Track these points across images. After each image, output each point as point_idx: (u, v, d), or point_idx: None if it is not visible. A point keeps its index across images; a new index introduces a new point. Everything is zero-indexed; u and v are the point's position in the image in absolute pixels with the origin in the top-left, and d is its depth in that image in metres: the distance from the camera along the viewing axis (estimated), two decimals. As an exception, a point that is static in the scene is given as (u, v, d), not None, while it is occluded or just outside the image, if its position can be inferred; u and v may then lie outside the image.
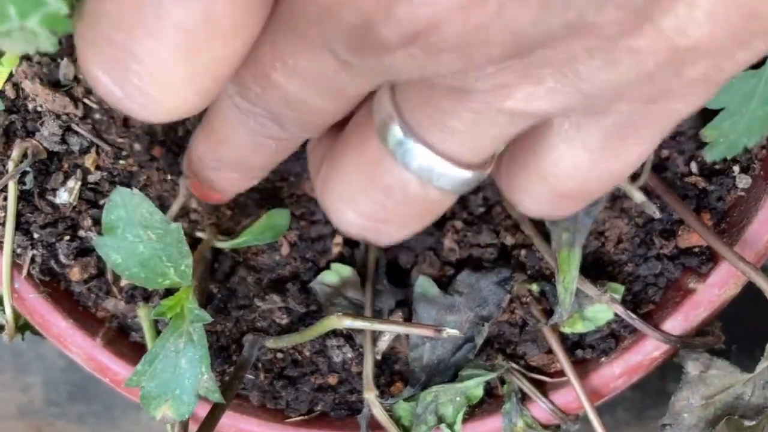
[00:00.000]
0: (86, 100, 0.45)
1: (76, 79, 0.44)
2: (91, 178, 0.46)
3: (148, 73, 0.22)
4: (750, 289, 0.46)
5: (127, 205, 0.37)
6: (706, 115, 0.45)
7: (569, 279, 0.44)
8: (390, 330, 0.46)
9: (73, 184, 0.45)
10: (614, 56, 0.22)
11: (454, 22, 0.20)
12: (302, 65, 0.24)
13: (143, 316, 0.48)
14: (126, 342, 0.49)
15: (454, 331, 0.41)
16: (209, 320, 0.40)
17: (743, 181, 0.47)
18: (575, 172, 0.27)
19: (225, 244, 0.46)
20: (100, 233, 0.45)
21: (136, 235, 0.38)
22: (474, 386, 0.47)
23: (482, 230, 0.47)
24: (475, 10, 0.20)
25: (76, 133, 0.45)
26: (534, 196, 0.28)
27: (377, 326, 0.44)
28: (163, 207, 0.46)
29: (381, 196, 0.27)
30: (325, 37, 0.22)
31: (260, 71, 0.25)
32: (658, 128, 0.26)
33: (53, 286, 0.48)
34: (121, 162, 0.46)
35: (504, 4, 0.20)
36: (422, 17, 0.20)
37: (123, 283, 0.47)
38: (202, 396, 0.41)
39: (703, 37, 0.22)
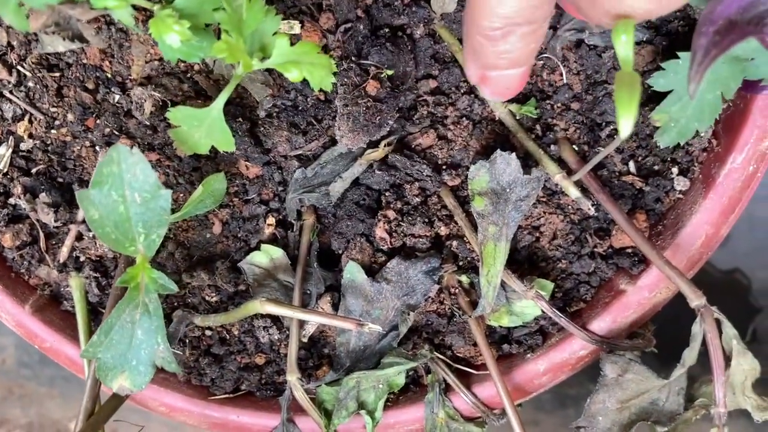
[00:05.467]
0: (20, 67, 0.45)
1: (9, 45, 0.44)
2: (23, 146, 0.46)
3: None
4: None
5: (122, 163, 0.37)
6: (654, 101, 0.44)
7: (493, 273, 0.44)
8: (312, 320, 0.46)
9: (4, 150, 0.45)
10: None
11: None
12: None
13: (74, 286, 0.48)
14: (57, 311, 0.49)
15: (376, 327, 0.41)
16: (175, 290, 0.40)
17: (681, 183, 0.46)
18: None
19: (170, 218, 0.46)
20: (28, 201, 0.45)
21: (121, 195, 0.38)
22: (394, 374, 0.47)
23: (416, 221, 0.47)
24: None
25: (9, 100, 0.45)
26: None
27: (300, 315, 0.43)
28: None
29: None
30: None
31: None
32: None
33: (-15, 251, 0.48)
34: (54, 132, 0.46)
35: None
36: None
37: (63, 252, 0.47)
38: (158, 366, 0.41)
39: None
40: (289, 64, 0.40)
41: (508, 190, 0.44)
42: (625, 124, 0.29)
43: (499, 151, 0.44)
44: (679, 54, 0.42)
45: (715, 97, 0.42)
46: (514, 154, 0.44)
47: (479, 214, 0.44)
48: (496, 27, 0.33)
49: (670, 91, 0.43)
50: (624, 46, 0.30)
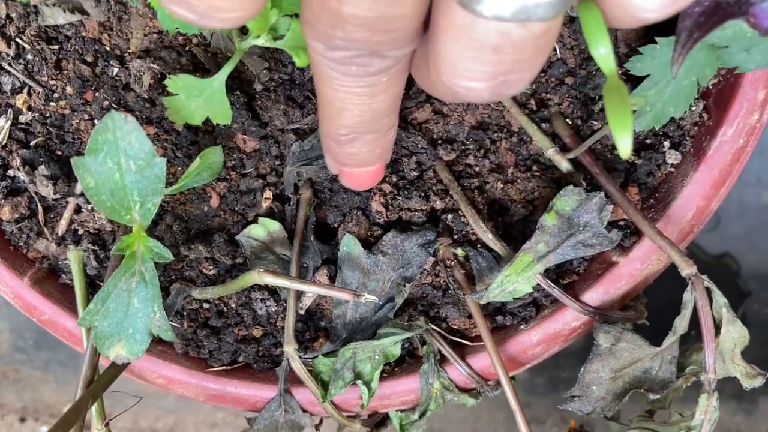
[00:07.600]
0: (19, 40, 0.45)
1: (8, 17, 0.45)
2: (22, 119, 0.46)
3: None
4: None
5: (117, 130, 0.38)
6: (633, 84, 0.44)
7: (512, 280, 0.44)
8: (309, 290, 0.46)
9: (3, 123, 0.46)
10: None
11: None
12: None
13: (73, 259, 0.48)
14: (55, 283, 0.50)
15: (372, 297, 0.41)
16: (171, 258, 0.41)
17: (673, 157, 0.46)
18: None
19: (167, 191, 0.46)
20: (27, 174, 0.45)
21: (117, 163, 0.38)
22: (390, 344, 0.47)
23: (412, 195, 0.47)
24: None
25: (8, 72, 0.45)
26: None
27: (297, 286, 0.44)
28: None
29: (492, 55, 0.27)
30: None
31: (331, 16, 0.27)
32: None
33: (-17, 224, 0.48)
34: (53, 104, 0.46)
35: None
36: None
37: (61, 225, 0.48)
38: (154, 336, 0.42)
39: None
40: (299, 49, 0.41)
41: (579, 229, 0.44)
42: (624, 143, 0.27)
43: (601, 194, 0.44)
44: (657, 39, 0.42)
45: (690, 83, 0.43)
46: (611, 206, 0.44)
47: (542, 226, 0.44)
48: (342, 133, 0.35)
49: (646, 76, 0.43)
50: (605, 59, 0.28)
